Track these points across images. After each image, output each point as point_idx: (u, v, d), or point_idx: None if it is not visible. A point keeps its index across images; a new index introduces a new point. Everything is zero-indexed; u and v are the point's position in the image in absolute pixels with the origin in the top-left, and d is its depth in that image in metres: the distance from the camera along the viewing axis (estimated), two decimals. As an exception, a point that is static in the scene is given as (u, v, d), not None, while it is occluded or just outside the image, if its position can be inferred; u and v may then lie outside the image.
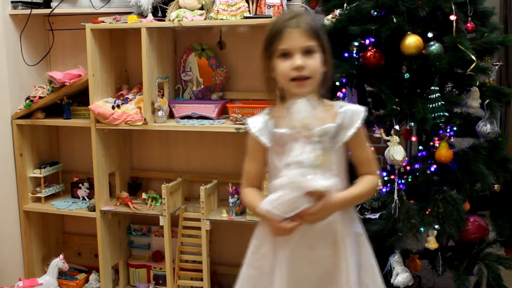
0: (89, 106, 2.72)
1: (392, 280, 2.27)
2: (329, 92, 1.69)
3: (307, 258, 1.62)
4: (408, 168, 2.29)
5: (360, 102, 2.36)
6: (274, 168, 1.63)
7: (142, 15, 2.72)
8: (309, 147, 1.49)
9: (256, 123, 1.65)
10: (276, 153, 1.61)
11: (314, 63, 1.54)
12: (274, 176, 1.62)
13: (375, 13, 2.27)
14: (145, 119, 2.67)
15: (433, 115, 2.16)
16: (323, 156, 1.48)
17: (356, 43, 2.30)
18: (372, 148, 1.75)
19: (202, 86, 2.83)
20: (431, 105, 2.17)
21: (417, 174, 2.31)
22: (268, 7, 2.55)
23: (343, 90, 2.29)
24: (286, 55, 1.54)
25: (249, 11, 2.58)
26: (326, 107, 1.61)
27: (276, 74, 1.58)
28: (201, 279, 2.74)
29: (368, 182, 1.63)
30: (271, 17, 2.51)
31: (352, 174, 1.67)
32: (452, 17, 2.23)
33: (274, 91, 1.64)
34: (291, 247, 1.60)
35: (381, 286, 1.70)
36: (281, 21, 1.56)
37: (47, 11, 2.90)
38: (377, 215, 2.29)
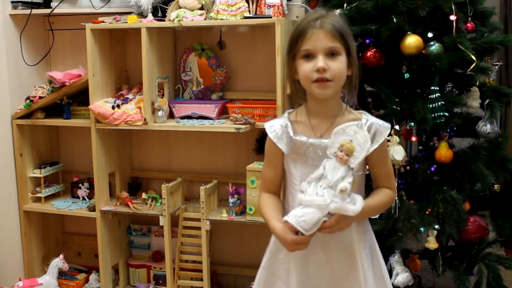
0: (89, 106, 2.72)
1: (392, 280, 2.27)
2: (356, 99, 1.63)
3: (320, 261, 1.60)
4: (408, 168, 2.29)
5: (360, 102, 2.37)
6: (289, 174, 1.61)
7: (142, 15, 2.72)
8: (342, 170, 1.44)
9: (275, 128, 1.59)
10: (292, 160, 1.58)
11: (337, 66, 1.48)
12: (289, 181, 1.61)
13: (375, 13, 2.27)
14: (145, 119, 2.67)
15: (433, 115, 2.16)
16: (354, 182, 1.46)
17: (356, 43, 2.30)
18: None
19: (202, 86, 2.83)
20: (431, 105, 2.18)
21: (417, 174, 2.31)
22: (268, 7, 2.55)
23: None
24: (309, 56, 1.49)
25: (249, 11, 2.58)
26: (353, 118, 1.56)
27: (299, 76, 1.54)
28: (201, 279, 2.73)
29: (384, 195, 1.61)
30: (271, 17, 2.51)
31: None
32: (452, 17, 2.23)
33: (298, 93, 1.60)
34: (304, 250, 1.56)
35: None
36: (305, 22, 1.51)
37: (47, 11, 2.90)
38: (377, 215, 2.29)
